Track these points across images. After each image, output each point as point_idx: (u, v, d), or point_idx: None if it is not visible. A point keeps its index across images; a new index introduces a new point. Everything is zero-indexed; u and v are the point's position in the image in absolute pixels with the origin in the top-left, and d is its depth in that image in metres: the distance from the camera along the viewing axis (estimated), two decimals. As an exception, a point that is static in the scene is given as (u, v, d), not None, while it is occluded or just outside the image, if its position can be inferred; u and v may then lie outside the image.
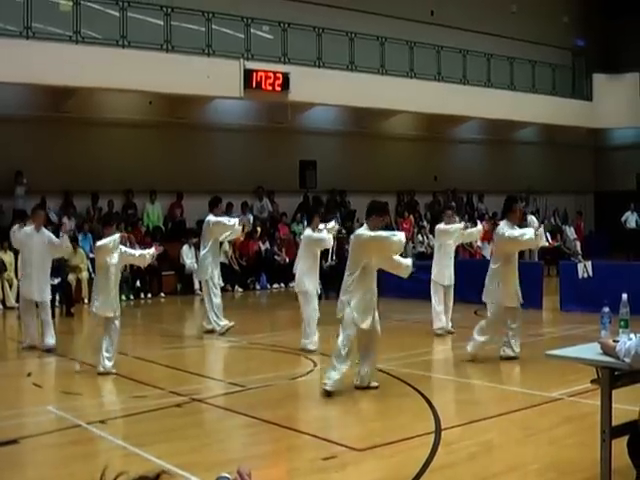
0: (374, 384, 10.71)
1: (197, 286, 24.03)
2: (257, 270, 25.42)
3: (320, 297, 17.63)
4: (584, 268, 18.28)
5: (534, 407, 9.57)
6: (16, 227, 15.05)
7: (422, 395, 10.23)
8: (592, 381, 6.49)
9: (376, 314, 10.72)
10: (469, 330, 13.24)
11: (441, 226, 16.37)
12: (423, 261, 21.53)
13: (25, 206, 23.09)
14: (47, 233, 14.67)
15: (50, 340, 14.41)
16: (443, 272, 15.88)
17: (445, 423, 8.75)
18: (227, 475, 2.09)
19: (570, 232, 31.33)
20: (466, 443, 8.17)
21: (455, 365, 12.86)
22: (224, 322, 16.10)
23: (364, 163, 29.72)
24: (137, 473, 1.92)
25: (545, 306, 18.88)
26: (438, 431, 8.45)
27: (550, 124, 33.33)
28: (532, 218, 26.34)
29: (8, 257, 21.15)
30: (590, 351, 6.46)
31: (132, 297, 22.24)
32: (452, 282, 15.89)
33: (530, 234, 12.41)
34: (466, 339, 13.21)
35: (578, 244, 30.83)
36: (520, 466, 7.44)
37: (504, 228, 12.61)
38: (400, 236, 10.64)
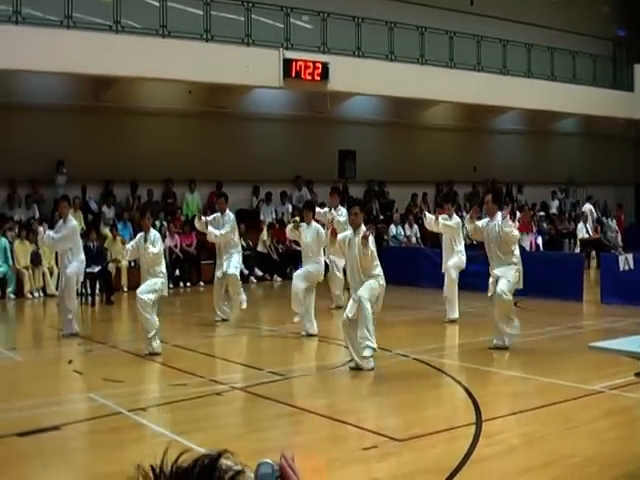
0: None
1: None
2: (295, 259, 25.39)
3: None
4: (625, 260, 18.13)
5: (575, 400, 9.51)
6: None
7: (462, 386, 10.22)
8: (636, 374, 6.45)
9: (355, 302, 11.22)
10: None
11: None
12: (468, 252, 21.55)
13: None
14: None
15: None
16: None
17: (486, 415, 8.71)
18: (269, 461, 2.08)
19: (612, 224, 31.10)
20: (507, 435, 8.15)
21: (495, 356, 12.80)
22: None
23: (403, 153, 29.63)
24: (199, 453, 1.94)
25: (586, 298, 18.72)
26: (479, 423, 8.42)
27: (590, 115, 33.00)
28: (588, 207, 26.56)
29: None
30: (634, 344, 6.42)
31: (171, 286, 22.31)
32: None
33: None
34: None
35: (619, 236, 30.58)
36: (561, 459, 7.39)
37: None
38: None
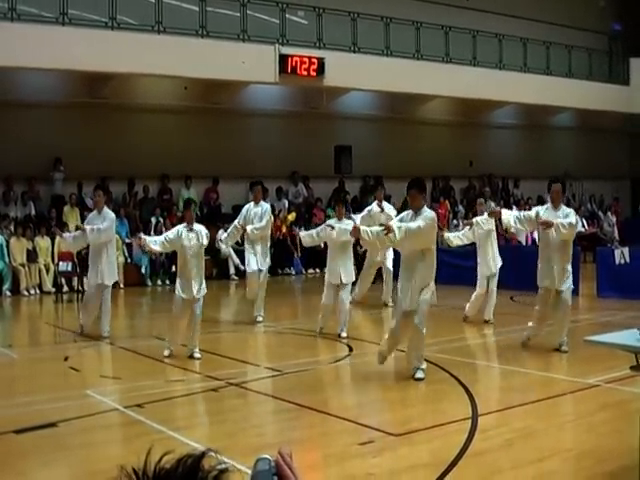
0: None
1: (232, 271, 24.11)
2: (288, 255, 25.25)
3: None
4: (621, 254, 18.15)
5: (571, 394, 9.55)
6: None
7: (459, 381, 10.23)
8: (631, 367, 6.46)
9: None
10: (505, 316, 13.19)
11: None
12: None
13: (63, 192, 23.30)
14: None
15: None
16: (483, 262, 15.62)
17: (482, 409, 8.74)
18: (268, 456, 2.09)
19: (609, 218, 31.13)
20: (503, 429, 8.16)
21: (491, 351, 12.83)
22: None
23: (399, 148, 29.60)
24: (181, 453, 1.94)
25: (582, 292, 18.71)
26: (475, 417, 8.45)
27: (586, 109, 32.96)
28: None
29: (45, 243, 21.32)
30: (630, 337, 6.43)
31: (168, 282, 22.33)
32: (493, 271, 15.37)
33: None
34: (502, 326, 13.18)
35: (616, 230, 30.61)
36: (557, 453, 7.42)
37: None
38: None
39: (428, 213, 10.58)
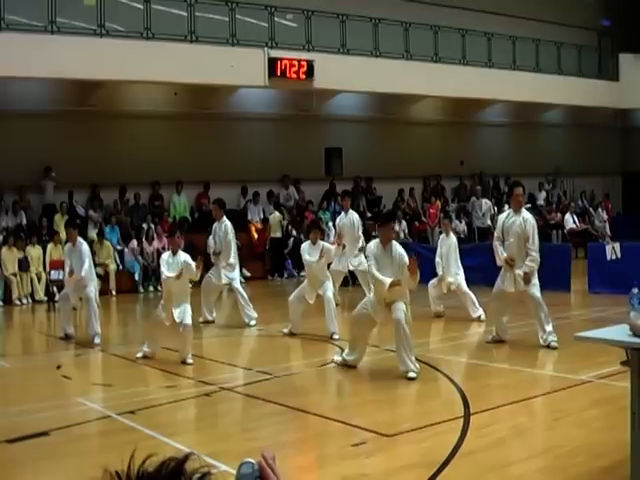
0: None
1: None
2: (278, 258, 25.26)
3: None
4: (612, 250, 18.17)
5: (563, 390, 9.56)
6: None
7: (450, 380, 10.24)
8: (622, 363, 6.47)
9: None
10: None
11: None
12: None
13: (54, 200, 23.24)
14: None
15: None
16: None
17: (474, 408, 8.75)
18: (251, 460, 2.10)
19: (602, 214, 31.19)
20: (495, 427, 8.17)
21: (483, 350, 12.83)
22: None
23: (390, 149, 29.59)
24: (165, 456, 1.94)
25: (573, 288, 18.75)
26: (467, 416, 8.46)
27: (576, 105, 32.96)
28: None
29: (36, 252, 21.26)
30: (620, 332, 6.44)
31: (159, 288, 22.30)
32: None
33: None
34: (492, 324, 13.20)
35: (607, 226, 30.66)
36: (549, 450, 7.44)
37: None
38: None
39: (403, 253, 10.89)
